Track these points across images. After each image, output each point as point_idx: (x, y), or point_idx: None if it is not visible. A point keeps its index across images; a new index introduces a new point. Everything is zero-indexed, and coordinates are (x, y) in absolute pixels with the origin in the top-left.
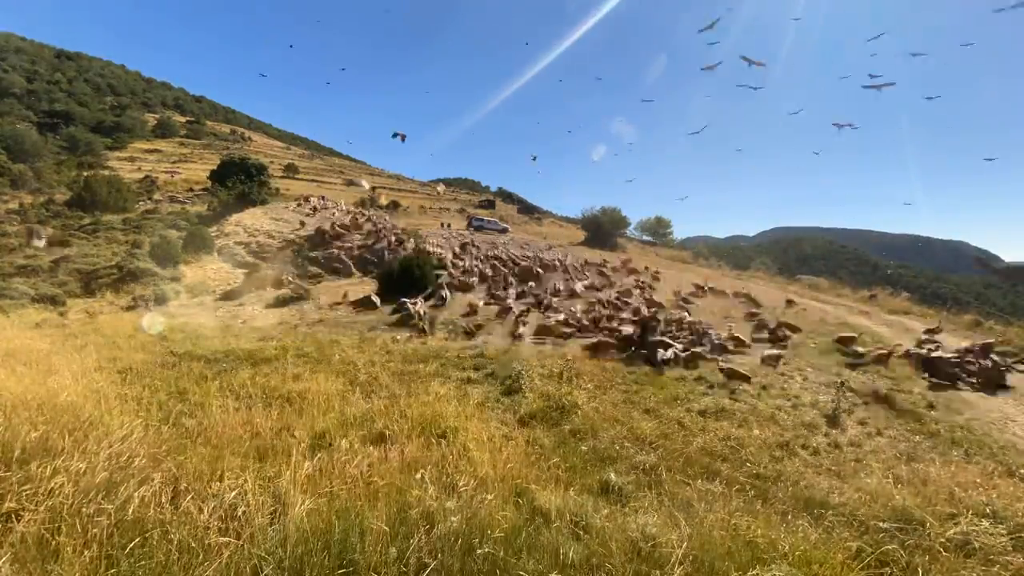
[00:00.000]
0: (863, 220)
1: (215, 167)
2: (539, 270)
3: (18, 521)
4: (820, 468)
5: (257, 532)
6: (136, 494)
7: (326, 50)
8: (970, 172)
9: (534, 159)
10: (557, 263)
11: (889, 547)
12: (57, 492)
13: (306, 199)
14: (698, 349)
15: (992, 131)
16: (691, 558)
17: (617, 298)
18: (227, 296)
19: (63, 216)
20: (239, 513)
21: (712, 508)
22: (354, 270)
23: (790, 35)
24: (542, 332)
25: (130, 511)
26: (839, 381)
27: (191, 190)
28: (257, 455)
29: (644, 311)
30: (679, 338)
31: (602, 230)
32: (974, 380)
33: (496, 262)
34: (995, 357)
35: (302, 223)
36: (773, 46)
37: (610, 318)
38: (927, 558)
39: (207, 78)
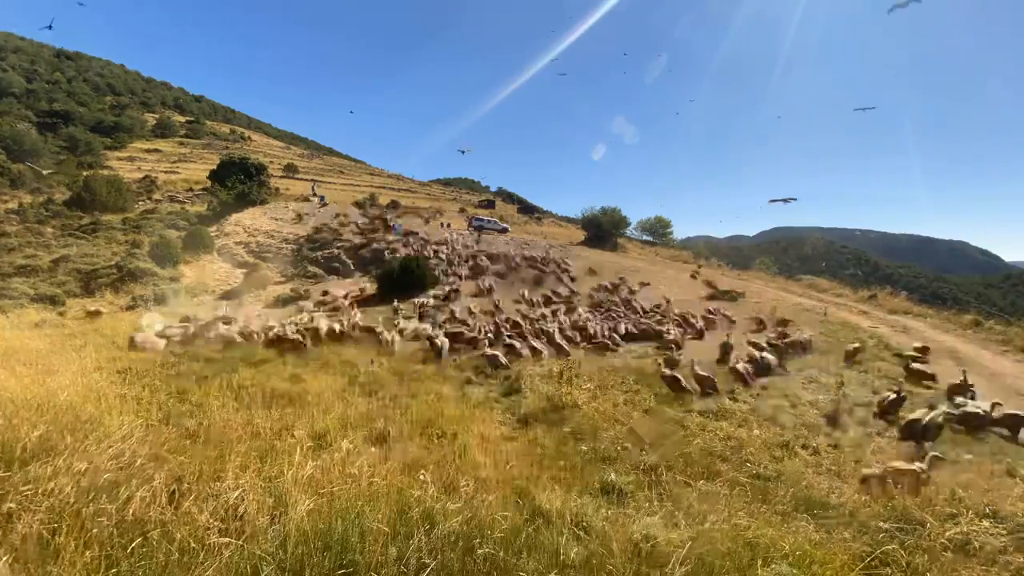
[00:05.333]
0: (863, 220)
1: (215, 167)
2: (541, 269)
3: (18, 521)
4: (820, 468)
5: (257, 532)
6: (136, 494)
7: (326, 51)
8: (971, 174)
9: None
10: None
11: (889, 547)
12: (57, 492)
13: (306, 199)
14: None
15: (993, 132)
16: (692, 558)
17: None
18: (227, 296)
19: (63, 216)
20: (239, 513)
21: (713, 508)
22: (354, 270)
23: (790, 35)
24: (542, 331)
25: (130, 511)
26: (839, 382)
27: (191, 190)
28: (257, 455)
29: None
30: None
31: (602, 230)
32: None
33: (496, 262)
34: None
35: (300, 222)
36: (773, 47)
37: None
38: (927, 558)
39: (207, 78)
